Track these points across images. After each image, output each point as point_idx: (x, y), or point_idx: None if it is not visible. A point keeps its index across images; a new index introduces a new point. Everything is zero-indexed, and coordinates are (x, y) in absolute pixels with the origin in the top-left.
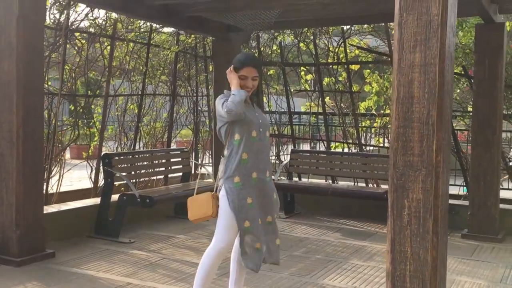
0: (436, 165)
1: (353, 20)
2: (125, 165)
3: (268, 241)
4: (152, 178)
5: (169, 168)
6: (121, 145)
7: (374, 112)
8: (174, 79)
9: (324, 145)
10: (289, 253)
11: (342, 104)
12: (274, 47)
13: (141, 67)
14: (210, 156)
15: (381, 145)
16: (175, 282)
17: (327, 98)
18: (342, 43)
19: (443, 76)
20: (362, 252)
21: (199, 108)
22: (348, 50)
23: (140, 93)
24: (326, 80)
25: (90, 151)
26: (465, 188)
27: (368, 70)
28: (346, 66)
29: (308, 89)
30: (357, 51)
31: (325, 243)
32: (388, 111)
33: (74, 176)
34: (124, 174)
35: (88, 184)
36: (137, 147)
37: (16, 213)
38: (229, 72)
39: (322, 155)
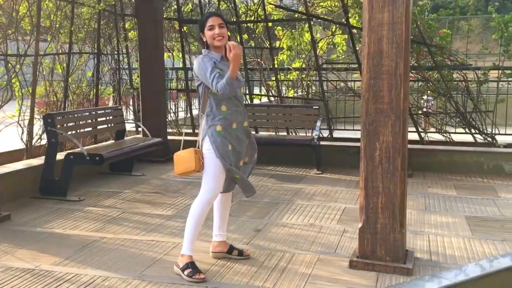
0: (403, 111)
1: None
2: (68, 125)
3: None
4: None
5: (109, 125)
6: (50, 106)
7: (290, 67)
8: (98, 38)
9: (247, 99)
10: (238, 199)
11: (260, 60)
12: (191, 5)
13: (66, 26)
14: (131, 113)
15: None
16: (147, 233)
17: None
18: (261, 2)
19: (408, 33)
20: (302, 194)
21: (121, 66)
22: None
23: (67, 52)
24: (245, 36)
25: (17, 111)
26: None
27: (280, 27)
28: (265, 24)
29: None
30: (270, 8)
31: (266, 188)
32: (298, 65)
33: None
34: (69, 133)
35: (13, 146)
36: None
37: None
38: (234, 47)
39: (247, 107)
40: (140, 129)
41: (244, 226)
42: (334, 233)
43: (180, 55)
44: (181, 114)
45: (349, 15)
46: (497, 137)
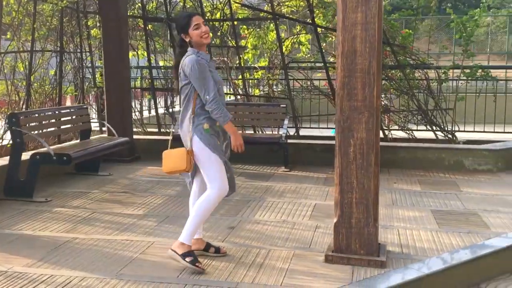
0: (376, 108)
1: None
2: (31, 124)
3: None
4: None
5: (74, 125)
6: (11, 105)
7: (256, 66)
8: (61, 36)
9: None
10: None
11: (225, 58)
12: (155, 3)
13: (27, 23)
14: (94, 112)
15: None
16: (120, 232)
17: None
18: (228, 1)
19: (380, 32)
20: (272, 191)
21: (84, 65)
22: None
23: (29, 49)
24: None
25: None
26: (332, 130)
27: (245, 26)
28: (232, 23)
29: None
30: (235, 7)
31: (236, 186)
32: (263, 64)
33: None
34: (34, 133)
35: None
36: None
37: None
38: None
39: None
40: (104, 128)
41: (217, 224)
42: (307, 229)
43: (145, 54)
44: (145, 113)
45: (314, 14)
46: (456, 134)
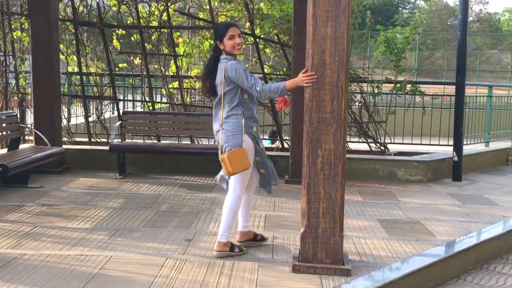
0: (343, 120)
1: None
2: None
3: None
4: None
5: (2, 133)
6: None
7: (191, 75)
8: None
9: (148, 107)
10: (156, 209)
11: (157, 66)
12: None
13: None
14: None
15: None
16: (72, 247)
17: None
18: (166, 9)
19: (348, 47)
20: (219, 202)
21: (8, 69)
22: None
23: None
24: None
25: None
26: (269, 141)
27: (178, 33)
28: (169, 30)
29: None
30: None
31: (180, 198)
32: (196, 72)
33: None
34: None
35: None
36: None
37: None
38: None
39: (155, 116)
40: (31, 137)
41: (173, 236)
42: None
43: (75, 58)
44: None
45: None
46: (388, 145)
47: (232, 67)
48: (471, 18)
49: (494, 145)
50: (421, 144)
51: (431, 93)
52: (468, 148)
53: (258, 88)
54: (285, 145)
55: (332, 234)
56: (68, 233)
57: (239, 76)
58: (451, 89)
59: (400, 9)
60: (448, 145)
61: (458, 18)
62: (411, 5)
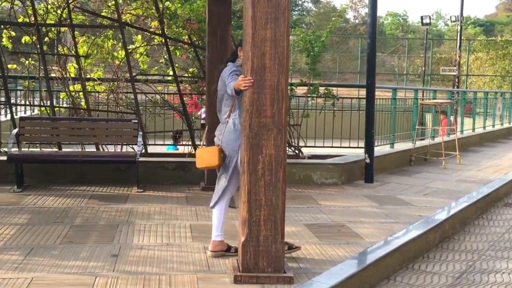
0: (284, 125)
1: None
2: None
3: None
4: None
5: None
6: None
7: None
8: None
9: (48, 112)
10: (69, 224)
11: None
12: None
13: None
14: None
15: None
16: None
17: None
18: (67, 5)
19: (288, 50)
20: (137, 214)
21: None
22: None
23: None
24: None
25: None
26: (168, 147)
27: (77, 32)
28: (71, 29)
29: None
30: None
31: (94, 210)
32: (95, 75)
33: None
34: None
35: None
36: None
37: None
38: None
39: (57, 122)
40: None
41: (96, 253)
42: (196, 250)
43: None
44: None
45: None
46: (302, 149)
47: (225, 70)
48: (357, 21)
49: (398, 147)
50: (332, 147)
51: (344, 96)
52: (376, 150)
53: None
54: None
55: (274, 241)
56: None
57: (225, 79)
58: (354, 92)
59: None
60: (358, 147)
61: (367, 22)
62: (299, 7)
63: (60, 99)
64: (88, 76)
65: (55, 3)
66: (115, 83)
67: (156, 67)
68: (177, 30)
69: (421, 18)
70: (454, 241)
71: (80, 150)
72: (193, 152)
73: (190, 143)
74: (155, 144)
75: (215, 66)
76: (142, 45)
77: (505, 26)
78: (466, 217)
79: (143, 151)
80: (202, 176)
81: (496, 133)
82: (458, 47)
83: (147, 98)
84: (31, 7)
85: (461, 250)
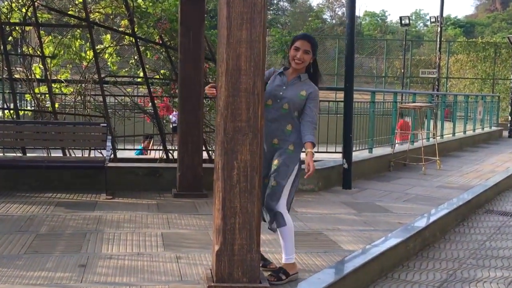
0: (260, 129)
1: None
2: None
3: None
4: None
5: None
6: None
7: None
8: None
9: (11, 115)
10: (34, 233)
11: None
12: None
13: None
14: None
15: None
16: None
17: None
18: (32, 3)
19: (264, 51)
20: (106, 222)
21: None
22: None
23: None
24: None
25: None
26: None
27: (43, 32)
28: (36, 28)
29: None
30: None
31: (60, 218)
32: (62, 76)
33: None
34: None
35: None
36: None
37: None
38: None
39: (21, 125)
40: None
41: (63, 263)
42: (168, 260)
43: None
44: None
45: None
46: None
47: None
48: (334, 21)
49: (376, 151)
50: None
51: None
52: (354, 154)
53: None
54: (170, 156)
55: (249, 250)
56: None
57: None
58: (331, 94)
59: None
60: (336, 152)
61: (345, 23)
62: (274, 6)
63: (24, 102)
64: (55, 78)
65: (20, 1)
66: (83, 85)
67: (126, 69)
68: (148, 30)
69: (400, 19)
70: (435, 249)
71: (45, 155)
72: (164, 157)
73: (161, 147)
74: (124, 149)
75: (188, 68)
76: (111, 45)
77: (485, 28)
78: (446, 224)
79: (112, 156)
80: (174, 183)
81: (476, 138)
82: (438, 49)
83: (116, 101)
84: None
85: (442, 258)
